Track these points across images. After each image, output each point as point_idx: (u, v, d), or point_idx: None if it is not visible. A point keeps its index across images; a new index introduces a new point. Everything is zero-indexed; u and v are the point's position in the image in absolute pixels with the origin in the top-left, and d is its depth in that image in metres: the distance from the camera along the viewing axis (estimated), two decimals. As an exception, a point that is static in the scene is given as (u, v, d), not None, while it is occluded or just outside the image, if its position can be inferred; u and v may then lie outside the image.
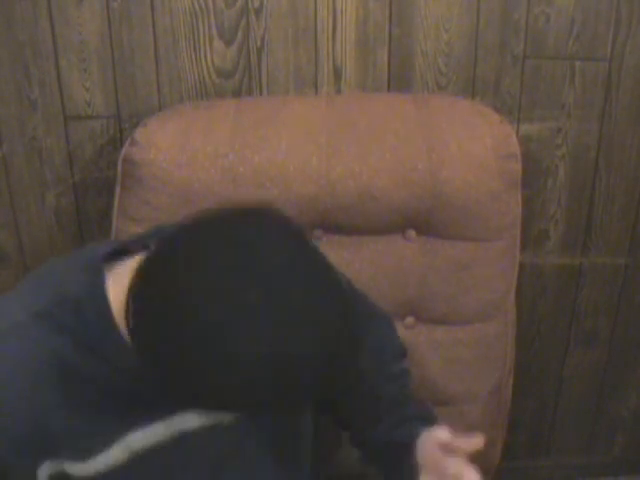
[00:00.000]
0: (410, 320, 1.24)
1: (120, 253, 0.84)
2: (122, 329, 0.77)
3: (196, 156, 1.15)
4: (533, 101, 1.40)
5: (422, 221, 1.18)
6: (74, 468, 0.82)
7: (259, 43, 1.31)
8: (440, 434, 0.91)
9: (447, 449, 0.90)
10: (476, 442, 0.89)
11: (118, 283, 0.78)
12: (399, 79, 1.36)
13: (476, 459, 1.34)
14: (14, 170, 1.35)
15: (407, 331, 1.24)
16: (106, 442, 0.83)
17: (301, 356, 0.67)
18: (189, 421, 0.87)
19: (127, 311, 0.72)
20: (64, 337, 0.78)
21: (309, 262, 0.71)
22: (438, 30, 1.33)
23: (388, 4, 1.30)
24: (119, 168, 1.19)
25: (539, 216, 1.51)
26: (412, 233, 1.20)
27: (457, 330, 1.24)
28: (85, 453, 0.82)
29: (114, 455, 0.84)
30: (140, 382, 0.78)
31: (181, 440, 0.87)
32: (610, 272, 1.58)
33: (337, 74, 1.34)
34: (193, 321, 0.66)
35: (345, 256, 1.20)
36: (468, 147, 1.16)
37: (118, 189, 1.20)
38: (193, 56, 1.30)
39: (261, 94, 1.35)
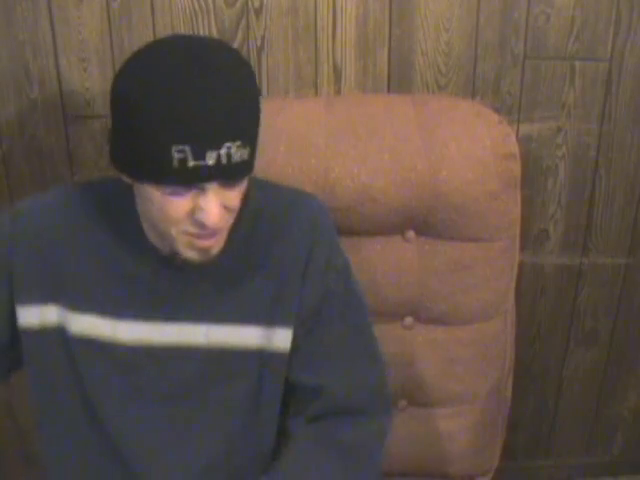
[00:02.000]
0: (409, 320, 1.24)
1: None
2: (141, 216, 0.93)
3: (196, 156, 1.14)
4: (533, 101, 1.40)
5: (421, 221, 1.18)
6: (70, 319, 0.94)
7: (259, 43, 1.31)
8: None
9: None
10: None
11: None
12: (399, 79, 1.36)
13: (476, 459, 1.34)
14: (14, 170, 1.35)
15: (406, 331, 1.24)
16: (97, 308, 0.95)
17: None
18: (166, 336, 0.95)
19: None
20: (90, 205, 0.96)
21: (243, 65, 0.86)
22: (438, 30, 1.33)
23: (388, 4, 1.31)
24: (119, 168, 1.19)
25: (539, 216, 1.51)
26: (411, 234, 1.20)
27: (457, 330, 1.24)
28: (80, 304, 0.95)
29: (98, 327, 0.94)
30: (146, 262, 0.94)
31: (154, 353, 0.95)
32: (610, 272, 1.59)
33: (337, 74, 1.35)
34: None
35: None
36: (467, 147, 1.16)
37: (118, 189, 1.20)
38: (193, 56, 1.30)
39: (261, 94, 1.35)
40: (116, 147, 0.86)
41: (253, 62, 1.32)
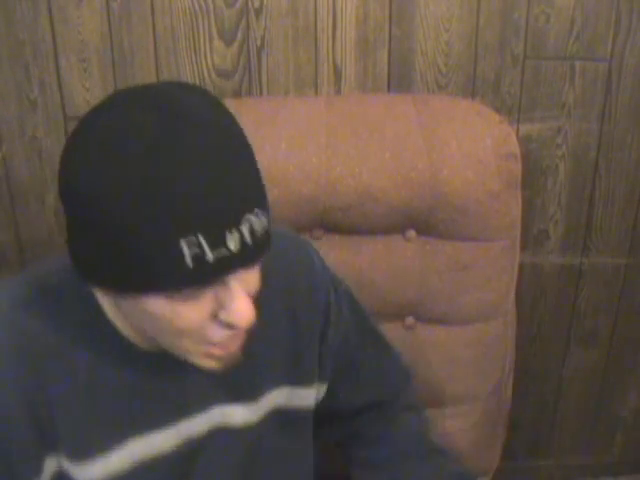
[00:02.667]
0: (410, 320, 1.24)
1: None
2: (108, 312, 0.76)
3: (196, 156, 1.14)
4: (533, 101, 1.40)
5: (422, 221, 1.18)
6: (74, 470, 0.78)
7: (259, 43, 1.31)
8: None
9: None
10: None
11: None
12: (399, 79, 1.36)
13: (476, 459, 1.34)
14: (14, 170, 1.35)
15: (407, 331, 1.24)
16: (103, 445, 0.78)
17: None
18: (194, 426, 0.83)
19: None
20: (47, 322, 0.75)
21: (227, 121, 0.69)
22: (438, 30, 1.33)
23: (388, 4, 1.31)
24: (119, 168, 1.19)
25: (539, 216, 1.51)
26: (412, 233, 1.20)
27: (457, 330, 1.24)
28: (82, 453, 0.78)
29: (114, 462, 0.79)
30: (129, 372, 0.77)
31: (189, 449, 0.83)
32: (610, 272, 1.59)
33: (337, 74, 1.34)
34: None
35: (345, 256, 1.20)
36: (468, 147, 1.16)
37: (118, 189, 1.20)
38: (193, 56, 1.30)
39: (261, 94, 1.35)
40: (83, 251, 0.68)
41: (253, 62, 1.32)
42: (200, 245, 0.62)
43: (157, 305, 0.67)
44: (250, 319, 0.68)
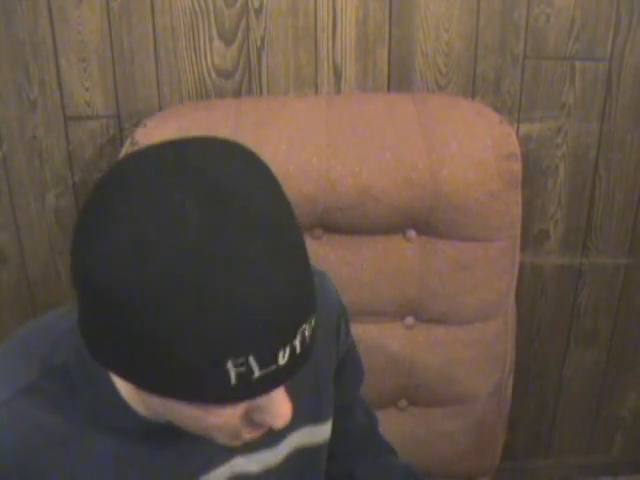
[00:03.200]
0: (410, 320, 1.24)
1: None
2: (122, 392, 0.71)
3: (196, 156, 1.14)
4: (533, 101, 1.40)
5: (422, 221, 1.18)
6: None
7: (259, 43, 1.31)
8: None
9: None
10: None
11: None
12: (399, 79, 1.36)
13: (476, 459, 1.34)
14: (14, 170, 1.35)
15: (407, 331, 1.24)
16: None
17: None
18: (214, 478, 0.80)
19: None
20: (56, 413, 0.70)
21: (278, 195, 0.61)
22: (438, 30, 1.33)
23: (388, 4, 1.30)
24: (119, 168, 1.19)
25: (539, 216, 1.51)
26: (412, 233, 1.20)
27: (457, 330, 1.24)
28: None
29: None
30: (147, 442, 0.73)
31: None
32: (610, 272, 1.58)
33: (337, 74, 1.34)
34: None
35: (345, 256, 1.20)
36: (468, 147, 1.16)
37: (118, 189, 1.20)
38: (193, 56, 1.30)
39: (261, 94, 1.35)
40: (105, 347, 0.61)
41: (253, 62, 1.32)
42: (248, 365, 0.56)
43: (188, 409, 0.62)
44: (288, 421, 0.63)
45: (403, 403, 1.29)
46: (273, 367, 0.57)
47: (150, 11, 1.27)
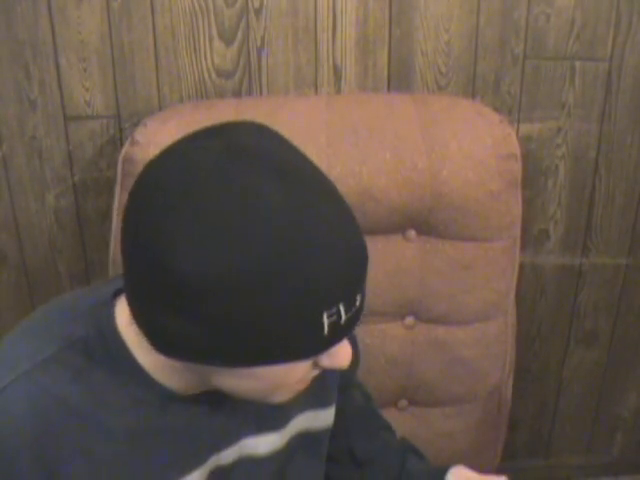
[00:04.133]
0: (410, 320, 1.24)
1: None
2: (140, 359, 0.72)
3: (196, 156, 1.14)
4: (533, 101, 1.40)
5: (422, 221, 1.18)
6: None
7: (259, 43, 1.31)
8: (469, 472, 0.93)
9: None
10: None
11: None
12: (399, 79, 1.36)
13: (476, 459, 1.34)
14: (14, 170, 1.35)
15: (407, 331, 1.24)
16: None
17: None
18: (223, 458, 0.82)
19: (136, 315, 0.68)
20: (75, 384, 0.71)
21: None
22: (438, 30, 1.33)
23: (388, 4, 1.30)
24: (119, 168, 1.19)
25: (539, 216, 1.51)
26: (412, 233, 1.20)
27: (457, 330, 1.24)
28: None
29: None
30: (164, 416, 0.74)
31: (216, 478, 0.82)
32: (610, 272, 1.59)
33: (337, 74, 1.34)
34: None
35: (345, 256, 1.20)
36: (468, 147, 1.16)
37: (118, 189, 1.20)
38: (193, 56, 1.30)
39: (261, 94, 1.35)
40: (177, 330, 0.63)
41: (253, 62, 1.32)
42: (339, 312, 0.62)
43: (272, 370, 0.65)
44: (349, 360, 0.69)
45: (403, 403, 1.29)
46: (354, 310, 0.64)
47: (150, 11, 1.27)
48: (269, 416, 0.84)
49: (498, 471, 1.38)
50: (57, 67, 1.28)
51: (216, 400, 0.76)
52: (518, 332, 1.35)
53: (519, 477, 1.82)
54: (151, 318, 0.65)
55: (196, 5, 1.27)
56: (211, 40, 1.30)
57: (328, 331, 0.62)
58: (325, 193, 0.65)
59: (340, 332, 0.64)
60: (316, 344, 0.64)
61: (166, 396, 0.74)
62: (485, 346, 1.27)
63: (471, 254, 1.20)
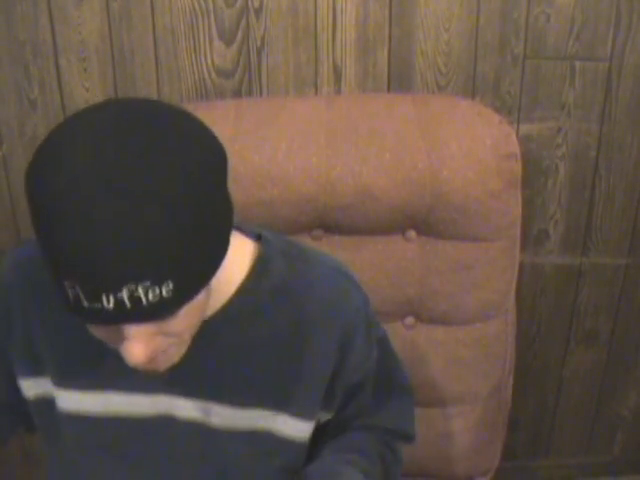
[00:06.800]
0: (410, 320, 1.24)
1: None
2: None
3: (196, 156, 1.15)
4: (533, 101, 1.40)
5: (422, 221, 1.18)
6: (57, 394, 0.86)
7: (259, 43, 1.31)
8: None
9: None
10: None
11: None
12: (399, 79, 1.36)
13: (476, 459, 1.34)
14: (14, 170, 1.35)
15: (407, 331, 1.24)
16: (83, 384, 0.85)
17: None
18: (177, 408, 0.86)
19: None
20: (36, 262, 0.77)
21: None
22: (438, 30, 1.33)
23: (388, 4, 1.31)
24: (119, 168, 1.19)
25: (539, 216, 1.51)
26: (412, 233, 1.20)
27: (457, 330, 1.24)
28: (65, 380, 0.86)
29: (92, 402, 0.86)
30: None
31: (165, 425, 0.86)
32: (610, 272, 1.59)
33: (337, 74, 1.35)
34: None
35: (345, 256, 1.20)
36: (468, 147, 1.16)
37: (118, 189, 1.20)
38: (193, 56, 1.31)
39: (261, 94, 1.35)
40: None
41: (253, 62, 1.32)
42: (77, 292, 0.64)
43: None
44: (139, 362, 0.68)
45: (403, 403, 1.29)
46: (98, 306, 0.64)
47: (150, 11, 1.27)
48: (219, 385, 0.86)
49: (498, 471, 1.38)
50: (57, 67, 1.29)
51: None
52: (518, 332, 1.35)
53: (519, 477, 1.83)
54: None
55: (196, 5, 1.27)
56: (211, 40, 1.30)
57: (73, 302, 0.65)
58: (126, 193, 0.62)
59: (87, 315, 0.65)
60: (66, 304, 0.66)
61: None
62: (485, 346, 1.27)
63: (471, 254, 1.20)
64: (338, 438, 0.97)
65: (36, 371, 0.87)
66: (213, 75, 1.32)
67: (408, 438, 1.05)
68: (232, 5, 1.28)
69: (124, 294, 0.63)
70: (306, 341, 0.87)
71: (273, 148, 1.15)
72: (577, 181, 1.48)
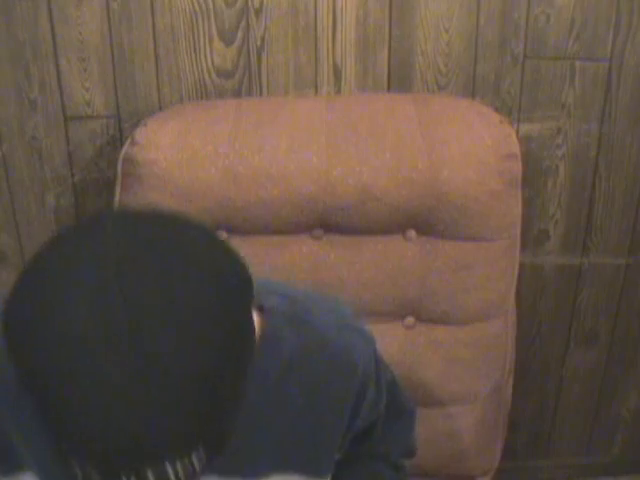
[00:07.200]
0: (410, 320, 1.24)
1: None
2: None
3: (196, 156, 1.15)
4: (533, 101, 1.40)
5: (422, 221, 1.18)
6: None
7: (259, 43, 1.31)
8: None
9: None
10: None
11: None
12: (399, 79, 1.36)
13: (476, 459, 1.34)
14: (14, 170, 1.35)
15: (407, 331, 1.24)
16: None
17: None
18: None
19: None
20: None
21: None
22: (438, 30, 1.33)
23: (388, 4, 1.30)
24: (119, 168, 1.19)
25: (539, 216, 1.51)
26: (412, 233, 1.20)
27: (457, 330, 1.24)
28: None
29: None
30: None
31: None
32: (610, 272, 1.58)
33: (337, 74, 1.34)
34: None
35: (345, 256, 1.20)
36: (468, 147, 1.16)
37: (118, 189, 1.20)
38: (193, 56, 1.30)
39: (261, 94, 1.35)
40: None
41: (253, 62, 1.32)
42: (89, 472, 0.58)
43: None
44: None
45: (403, 403, 1.29)
46: None
47: (150, 11, 1.27)
48: (235, 461, 0.79)
49: (498, 471, 1.38)
50: (57, 67, 1.29)
51: None
52: (518, 332, 1.35)
53: (519, 477, 1.83)
54: None
55: (196, 5, 1.27)
56: (211, 40, 1.30)
57: (82, 477, 0.58)
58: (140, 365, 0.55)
59: None
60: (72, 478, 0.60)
61: None
62: (485, 346, 1.27)
63: (471, 254, 1.20)
64: (352, 474, 0.98)
65: (17, 467, 0.81)
66: (213, 75, 1.32)
67: (412, 453, 1.08)
68: (232, 5, 1.28)
69: (149, 471, 0.57)
70: (321, 404, 0.86)
71: (273, 148, 1.15)
72: (577, 181, 1.48)
